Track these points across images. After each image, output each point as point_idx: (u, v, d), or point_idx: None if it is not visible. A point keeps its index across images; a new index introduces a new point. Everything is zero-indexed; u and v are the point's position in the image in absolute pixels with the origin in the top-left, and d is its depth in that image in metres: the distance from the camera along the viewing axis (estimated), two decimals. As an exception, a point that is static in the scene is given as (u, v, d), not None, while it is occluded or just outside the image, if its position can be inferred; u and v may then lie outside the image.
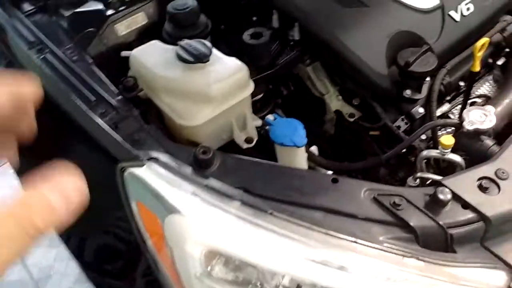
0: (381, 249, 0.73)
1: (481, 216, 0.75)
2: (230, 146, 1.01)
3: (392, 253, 0.73)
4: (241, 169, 0.83)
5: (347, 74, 1.03)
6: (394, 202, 0.77)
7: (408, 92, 1.00)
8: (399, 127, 1.04)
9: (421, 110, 1.03)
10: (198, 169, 0.81)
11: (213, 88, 0.90)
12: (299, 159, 0.93)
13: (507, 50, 1.22)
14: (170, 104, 0.92)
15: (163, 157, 0.81)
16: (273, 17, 1.08)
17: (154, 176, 0.78)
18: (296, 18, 1.03)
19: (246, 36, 1.03)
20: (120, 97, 0.92)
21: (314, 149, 0.99)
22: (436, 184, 0.79)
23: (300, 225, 0.74)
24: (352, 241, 0.73)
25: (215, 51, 0.94)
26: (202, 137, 0.95)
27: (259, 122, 1.03)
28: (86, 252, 1.18)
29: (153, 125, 0.90)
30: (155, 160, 0.80)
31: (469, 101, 1.13)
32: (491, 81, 1.24)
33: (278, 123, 0.92)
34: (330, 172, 0.91)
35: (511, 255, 0.75)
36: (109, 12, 1.06)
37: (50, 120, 1.02)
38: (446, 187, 0.77)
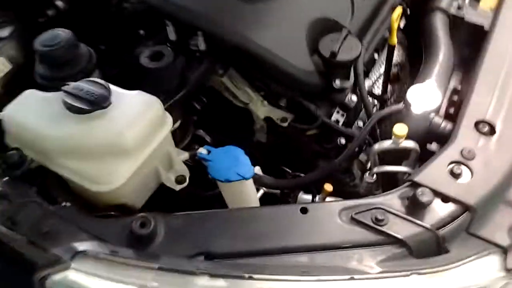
0: (381, 277, 0.64)
1: (465, 207, 0.70)
2: (161, 191, 0.84)
3: (393, 277, 0.65)
4: (193, 229, 0.68)
5: (268, 77, 0.91)
6: (376, 218, 0.68)
7: (337, 83, 0.91)
8: (337, 121, 0.95)
9: (354, 97, 0.96)
10: (140, 248, 0.64)
11: (127, 136, 0.72)
12: (248, 190, 0.80)
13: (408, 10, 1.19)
14: (73, 169, 0.72)
15: (91, 246, 0.63)
16: (168, 29, 0.91)
17: (91, 277, 0.60)
18: (197, 26, 0.87)
19: (144, 60, 0.84)
20: (6, 178, 0.69)
21: (257, 169, 0.86)
22: (413, 184, 0.71)
23: (286, 280, 0.62)
24: (348, 279, 0.63)
25: (113, 87, 0.75)
26: (127, 196, 0.76)
27: (185, 155, 0.87)
28: None
29: (60, 203, 0.70)
30: (83, 254, 0.61)
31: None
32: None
33: (215, 156, 0.78)
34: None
35: (498, 234, 0.72)
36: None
37: None
38: (423, 186, 0.70)
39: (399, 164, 0.88)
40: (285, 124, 0.95)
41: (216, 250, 0.65)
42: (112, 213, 0.76)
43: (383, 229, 0.68)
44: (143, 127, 0.73)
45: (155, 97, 0.77)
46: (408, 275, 0.65)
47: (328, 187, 0.95)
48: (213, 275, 0.60)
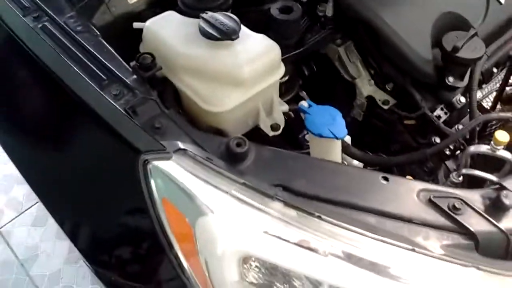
0: (441, 259, 0.66)
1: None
2: (252, 133, 0.92)
3: (452, 262, 0.66)
4: (278, 164, 0.74)
5: (385, 57, 0.95)
6: (453, 206, 0.70)
7: (450, 80, 0.92)
8: (439, 117, 0.96)
9: (463, 99, 0.96)
10: (231, 164, 0.72)
11: (245, 69, 0.80)
12: (336, 152, 0.85)
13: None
14: (192, 86, 0.82)
15: (192, 148, 0.72)
16: (301, -11, 0.98)
17: (184, 171, 0.69)
18: (332, -8, 0.93)
19: (274, 11, 0.92)
20: (135, 76, 0.80)
21: (348, 139, 0.90)
22: (500, 187, 0.72)
23: (351, 230, 0.66)
24: (410, 250, 0.66)
25: (243, 27, 0.84)
26: (228, 123, 0.85)
27: (285, 107, 0.94)
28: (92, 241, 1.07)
29: (172, 110, 0.80)
30: (183, 152, 0.70)
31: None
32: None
33: (314, 111, 0.83)
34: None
35: None
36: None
37: (50, 100, 0.90)
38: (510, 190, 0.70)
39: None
40: (386, 107, 0.98)
41: (294, 187, 0.71)
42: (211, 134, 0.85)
43: (457, 217, 0.69)
44: (260, 66, 0.81)
45: (276, 44, 0.84)
46: (467, 266, 0.66)
47: (410, 178, 0.97)
48: (287, 204, 0.67)
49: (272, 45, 0.84)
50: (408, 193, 0.72)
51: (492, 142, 0.81)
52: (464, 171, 0.86)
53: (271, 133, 0.90)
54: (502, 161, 0.85)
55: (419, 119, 0.96)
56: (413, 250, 0.66)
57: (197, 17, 0.84)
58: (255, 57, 0.81)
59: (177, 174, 0.69)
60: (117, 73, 0.79)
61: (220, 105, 0.80)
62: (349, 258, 0.65)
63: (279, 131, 0.90)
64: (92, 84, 0.78)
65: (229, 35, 0.80)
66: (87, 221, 0.87)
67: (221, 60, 0.80)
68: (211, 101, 0.80)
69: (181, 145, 0.72)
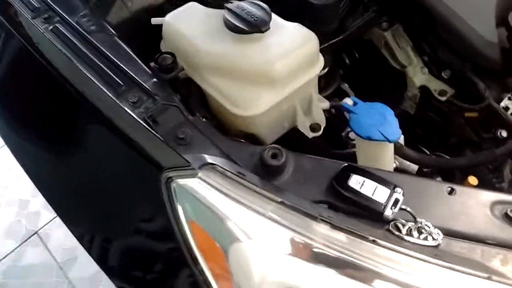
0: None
1: None
2: (290, 135, 0.82)
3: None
4: (322, 176, 0.64)
5: (441, 41, 0.82)
6: (537, 222, 0.58)
7: (521, 64, 0.79)
8: (506, 108, 0.83)
9: (538, 87, 0.82)
10: (267, 178, 0.62)
11: (277, 66, 0.70)
12: (388, 156, 0.74)
13: None
14: (219, 87, 0.73)
15: (221, 162, 0.63)
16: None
17: (212, 190, 0.60)
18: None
19: (311, -5, 0.81)
20: (155, 79, 0.72)
21: (401, 140, 0.79)
22: None
23: (412, 256, 0.56)
24: (485, 278, 0.55)
25: (274, 16, 0.73)
26: (261, 127, 0.76)
27: (326, 104, 0.84)
28: (112, 256, 1.02)
29: (198, 115, 0.71)
30: (211, 167, 0.62)
31: None
32: None
33: (360, 110, 0.72)
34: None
35: None
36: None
37: (65, 110, 0.84)
38: None
39: None
40: (443, 98, 0.86)
41: (342, 204, 0.61)
42: (242, 140, 0.76)
43: (541, 236, 0.57)
44: (295, 60, 0.71)
45: (313, 33, 0.73)
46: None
47: (473, 180, 0.85)
48: (335, 226, 0.57)
49: (308, 35, 0.73)
50: (479, 207, 0.61)
51: None
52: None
53: (311, 135, 0.80)
54: None
55: (482, 111, 0.83)
56: (489, 278, 0.55)
57: (222, 7, 0.74)
58: (290, 50, 0.71)
59: (204, 193, 0.60)
60: (135, 77, 0.71)
61: (251, 108, 0.70)
62: (411, 290, 0.54)
63: (320, 132, 0.80)
64: (108, 92, 0.70)
65: (258, 26, 0.70)
66: (105, 237, 0.80)
67: (250, 56, 0.71)
68: (240, 104, 0.71)
69: (208, 158, 0.63)
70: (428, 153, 0.97)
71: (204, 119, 0.73)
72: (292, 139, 0.84)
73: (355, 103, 0.74)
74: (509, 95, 0.84)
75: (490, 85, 0.83)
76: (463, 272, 0.55)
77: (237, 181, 0.60)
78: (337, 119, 0.93)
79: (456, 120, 0.89)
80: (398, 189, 0.61)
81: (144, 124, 0.66)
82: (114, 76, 0.72)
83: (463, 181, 0.86)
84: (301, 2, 0.83)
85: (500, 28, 0.79)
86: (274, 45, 0.71)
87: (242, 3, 0.73)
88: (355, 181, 0.62)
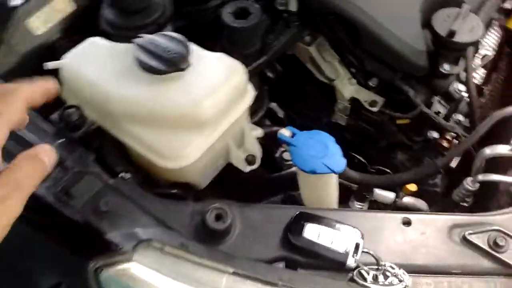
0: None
1: None
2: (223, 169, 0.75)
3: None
4: (273, 228, 0.58)
5: (367, 52, 0.78)
6: (494, 242, 0.57)
7: (446, 67, 0.78)
8: (438, 112, 0.82)
9: (462, 87, 0.82)
10: (213, 243, 0.55)
11: (205, 106, 0.61)
12: (333, 185, 0.69)
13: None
14: (140, 137, 0.63)
15: (158, 234, 0.54)
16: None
17: (154, 274, 0.51)
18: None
19: (228, 17, 0.73)
20: (60, 140, 0.60)
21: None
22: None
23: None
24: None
25: (192, 46, 0.64)
26: (194, 175, 0.67)
27: (259, 132, 0.77)
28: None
29: (120, 176, 0.61)
30: (148, 244, 0.52)
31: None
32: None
33: (299, 141, 0.67)
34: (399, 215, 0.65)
35: None
36: (14, 2, 0.69)
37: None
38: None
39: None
40: (375, 109, 0.83)
41: (300, 257, 0.55)
42: (174, 191, 0.68)
43: (502, 257, 0.56)
44: (224, 97, 0.63)
45: (239, 63, 0.66)
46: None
47: (412, 186, 0.84)
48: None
49: (234, 66, 0.66)
50: (437, 235, 0.59)
51: (513, 143, 0.69)
52: (481, 177, 0.74)
53: (247, 169, 0.73)
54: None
55: (414, 118, 0.82)
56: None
57: (129, 40, 0.64)
58: (217, 86, 0.63)
59: (144, 280, 0.51)
60: (35, 142, 0.59)
61: (181, 158, 0.62)
62: None
63: (257, 164, 0.74)
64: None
65: (177, 64, 0.61)
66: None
67: (171, 98, 0.62)
68: (168, 155, 0.62)
69: (142, 233, 0.54)
70: (363, 160, 0.96)
71: (126, 175, 0.63)
72: (225, 172, 0.77)
73: (293, 134, 0.68)
74: (438, 99, 0.84)
75: (418, 90, 0.82)
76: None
77: (181, 256, 0.52)
78: (268, 140, 0.87)
79: (387, 127, 0.87)
80: (357, 232, 0.57)
81: (57, 204, 0.55)
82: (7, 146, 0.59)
83: (402, 188, 0.85)
84: (219, 24, 0.75)
85: (425, 31, 0.78)
86: (198, 83, 0.62)
87: (153, 37, 0.63)
88: (311, 231, 0.56)
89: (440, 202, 0.88)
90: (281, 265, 0.56)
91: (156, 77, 0.62)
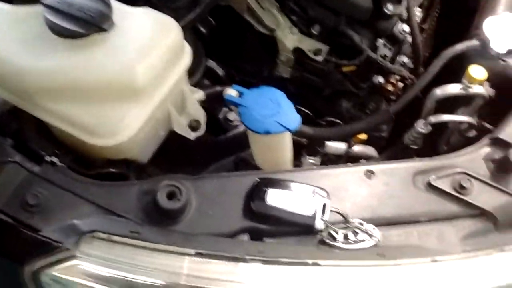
0: (467, 258, 0.53)
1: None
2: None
3: (476, 256, 0.54)
4: (232, 198, 0.53)
5: (308, -3, 0.73)
6: (459, 185, 0.56)
7: (390, 7, 0.75)
8: (384, 56, 0.79)
9: (406, 27, 0.79)
10: (167, 225, 0.49)
11: (139, 71, 0.54)
12: (288, 143, 0.65)
13: None
14: (65, 115, 0.54)
15: (102, 223, 0.47)
16: None
17: (104, 270, 0.45)
18: None
19: (150, -35, 0.63)
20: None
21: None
22: (497, 142, 0.59)
23: (364, 266, 0.50)
24: (430, 262, 0.51)
25: (114, 2, 0.55)
26: (133, 150, 0.60)
27: (200, 95, 0.71)
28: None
29: (47, 159, 0.53)
30: (91, 236, 0.46)
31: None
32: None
33: (249, 100, 0.61)
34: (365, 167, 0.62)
35: None
36: None
37: None
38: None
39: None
40: (320, 58, 0.79)
41: (265, 226, 0.51)
42: (113, 170, 0.60)
43: (468, 199, 0.56)
44: (159, 58, 0.56)
45: (171, 18, 0.58)
46: (491, 254, 0.54)
47: (362, 134, 0.82)
48: (267, 262, 0.47)
49: (166, 22, 0.58)
50: (402, 185, 0.57)
51: (464, 80, 0.68)
52: (433, 119, 0.73)
53: (193, 135, 0.67)
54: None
55: (361, 63, 0.78)
56: (434, 261, 0.52)
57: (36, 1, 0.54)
58: (149, 47, 0.55)
59: (94, 274, 0.45)
60: None
61: (117, 134, 0.54)
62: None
63: (202, 129, 0.68)
64: None
65: (98, 24, 0.52)
66: None
67: (96, 66, 0.53)
68: (101, 131, 0.54)
69: (81, 224, 0.47)
70: (310, 113, 0.92)
71: (54, 160, 0.54)
72: (168, 142, 0.70)
73: (240, 94, 0.62)
74: (383, 42, 0.81)
75: (363, 34, 0.79)
76: (408, 264, 0.52)
77: (134, 244, 0.46)
78: (210, 102, 0.81)
79: (333, 76, 0.83)
80: (322, 192, 0.53)
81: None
82: None
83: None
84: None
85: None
86: (126, 45, 0.54)
87: (65, -7, 0.53)
88: (274, 197, 0.52)
89: (389, 147, 0.87)
90: (245, 237, 0.52)
91: (75, 42, 0.52)
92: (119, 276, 0.44)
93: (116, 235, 0.46)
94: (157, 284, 0.45)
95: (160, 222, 0.49)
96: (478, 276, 0.53)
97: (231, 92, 0.63)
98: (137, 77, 0.54)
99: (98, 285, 0.43)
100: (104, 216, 0.49)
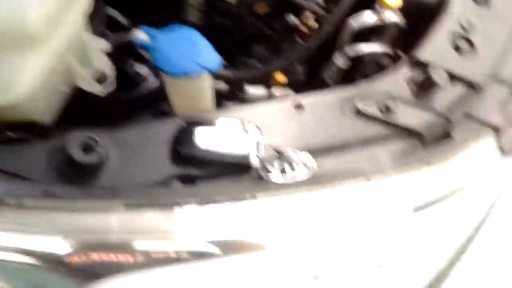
0: (398, 174, 0.54)
1: (471, 86, 0.62)
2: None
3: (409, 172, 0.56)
4: (156, 144, 0.49)
5: None
6: (386, 107, 0.57)
7: None
8: (298, -9, 0.77)
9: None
10: (86, 182, 0.44)
11: (31, 14, 0.46)
12: (208, 85, 0.61)
13: None
14: None
15: (7, 189, 0.41)
16: None
17: (20, 237, 0.39)
18: None
19: None
20: None
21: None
22: (416, 63, 0.60)
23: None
24: (364, 181, 0.52)
25: None
26: (32, 110, 0.53)
27: (103, 44, 0.63)
28: None
29: None
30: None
31: None
32: None
33: (162, 43, 0.56)
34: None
35: (492, 114, 0.66)
36: None
37: None
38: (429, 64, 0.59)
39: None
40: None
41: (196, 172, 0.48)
42: (11, 135, 0.53)
43: (394, 120, 0.57)
44: (53, -1, 0.48)
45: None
46: (420, 168, 0.56)
47: (281, 76, 0.80)
48: (203, 203, 0.44)
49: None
50: (331, 114, 0.56)
51: (377, 8, 0.68)
52: (350, 51, 0.72)
53: (99, 89, 0.60)
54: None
55: (274, 3, 0.76)
56: (368, 179, 0.52)
57: None
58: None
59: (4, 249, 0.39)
60: None
61: (10, 90, 0.47)
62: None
63: (111, 84, 0.61)
64: None
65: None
66: None
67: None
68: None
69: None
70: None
71: None
72: (75, 99, 0.63)
73: (151, 36, 0.57)
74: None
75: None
76: (344, 185, 0.51)
77: (50, 207, 0.40)
78: (115, 53, 0.74)
79: (246, 19, 0.80)
80: (254, 128, 0.51)
81: None
82: None
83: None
84: None
85: None
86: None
87: None
88: (204, 138, 0.49)
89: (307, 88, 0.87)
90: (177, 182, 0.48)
91: None
92: (36, 245, 0.39)
93: (27, 199, 0.40)
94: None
95: (77, 179, 0.44)
96: (410, 191, 0.56)
97: (140, 34, 0.58)
98: (29, 22, 0.46)
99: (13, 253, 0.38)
100: (9, 181, 0.42)
